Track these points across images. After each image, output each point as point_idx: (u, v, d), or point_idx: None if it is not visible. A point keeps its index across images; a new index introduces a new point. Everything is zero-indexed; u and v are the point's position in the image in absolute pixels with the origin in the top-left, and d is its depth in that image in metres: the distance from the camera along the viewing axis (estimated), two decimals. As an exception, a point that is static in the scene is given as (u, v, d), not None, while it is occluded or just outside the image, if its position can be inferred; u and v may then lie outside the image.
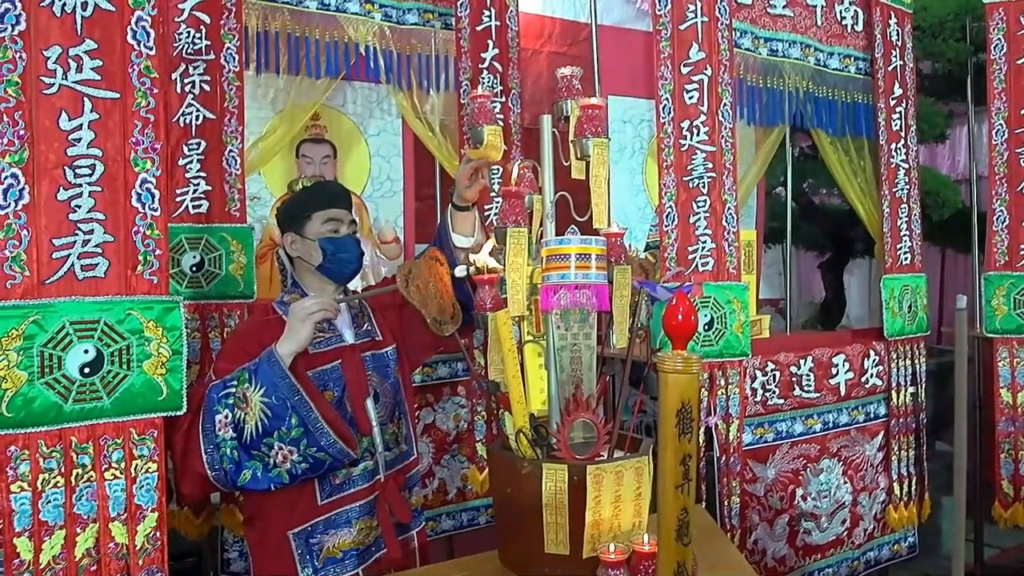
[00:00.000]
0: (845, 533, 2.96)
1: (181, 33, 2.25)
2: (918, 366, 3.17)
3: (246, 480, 1.58)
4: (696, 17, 2.50)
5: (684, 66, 2.49)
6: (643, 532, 1.49)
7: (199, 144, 2.29)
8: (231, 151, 2.34)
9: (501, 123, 2.10)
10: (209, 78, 2.30)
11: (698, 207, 2.51)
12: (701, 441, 2.52)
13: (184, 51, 2.26)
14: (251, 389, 1.55)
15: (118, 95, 1.61)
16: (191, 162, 2.28)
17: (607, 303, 1.61)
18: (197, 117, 2.29)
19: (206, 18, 2.29)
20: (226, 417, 1.56)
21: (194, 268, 2.27)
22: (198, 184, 2.29)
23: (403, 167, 3.28)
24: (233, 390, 1.56)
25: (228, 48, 2.34)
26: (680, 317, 0.84)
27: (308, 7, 2.61)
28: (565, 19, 4.52)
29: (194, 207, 2.28)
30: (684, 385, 0.84)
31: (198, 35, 2.28)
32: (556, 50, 4.51)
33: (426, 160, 3.21)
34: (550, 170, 1.68)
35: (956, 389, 1.06)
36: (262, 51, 2.55)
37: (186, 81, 2.27)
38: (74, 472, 1.55)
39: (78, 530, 1.56)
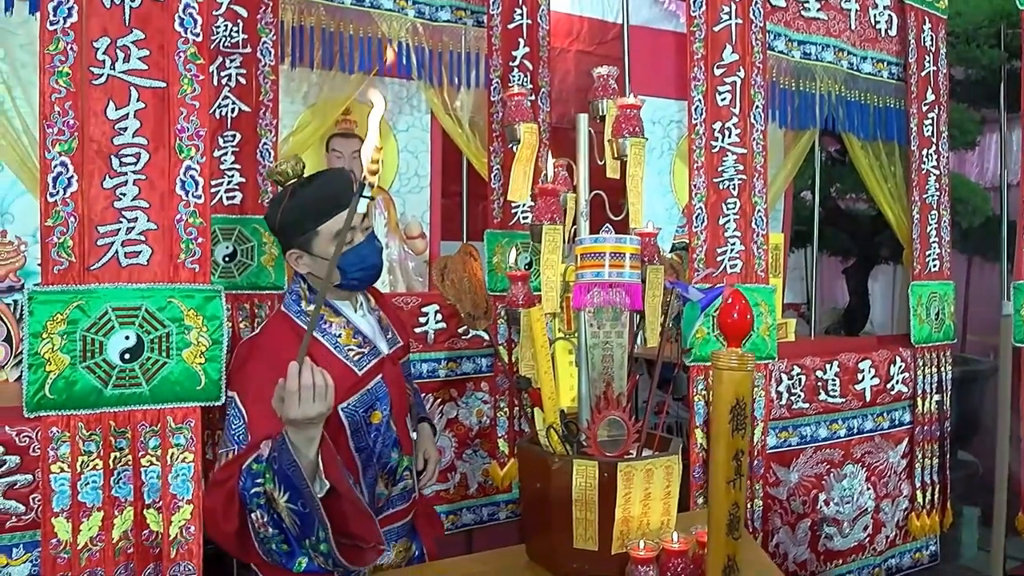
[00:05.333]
0: (867, 539, 2.94)
1: (219, 26, 2.29)
2: (944, 374, 3.15)
3: (302, 567, 1.42)
4: (730, 19, 2.49)
5: (717, 68, 2.49)
6: (671, 530, 1.50)
7: (234, 136, 2.32)
8: (265, 144, 2.38)
9: (533, 121, 2.10)
10: (245, 71, 2.34)
11: (728, 209, 2.50)
12: (725, 443, 2.53)
13: (221, 44, 2.29)
14: (276, 491, 1.32)
15: (164, 84, 1.64)
16: (226, 154, 2.31)
17: (640, 302, 1.61)
18: (233, 110, 2.32)
19: (243, 12, 2.32)
20: (261, 517, 1.35)
21: (227, 259, 2.31)
22: (232, 176, 2.33)
23: (431, 163, 3.31)
24: (261, 488, 1.34)
25: (264, 42, 2.37)
26: (736, 316, 0.85)
27: (343, 3, 2.64)
28: (593, 18, 4.53)
29: (228, 198, 2.31)
30: (739, 382, 0.85)
31: (235, 29, 2.32)
32: (584, 49, 4.52)
33: (453, 157, 3.23)
34: (585, 168, 1.69)
35: (1000, 394, 1.06)
36: (297, 46, 2.58)
37: (223, 74, 2.30)
38: (112, 455, 1.59)
39: (116, 513, 1.59)
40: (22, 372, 1.53)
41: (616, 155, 1.66)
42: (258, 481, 1.33)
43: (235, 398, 1.46)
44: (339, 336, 1.59)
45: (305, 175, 1.57)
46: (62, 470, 1.54)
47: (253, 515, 1.34)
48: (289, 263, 1.60)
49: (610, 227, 1.69)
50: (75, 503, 1.54)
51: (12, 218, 2.20)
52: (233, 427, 1.43)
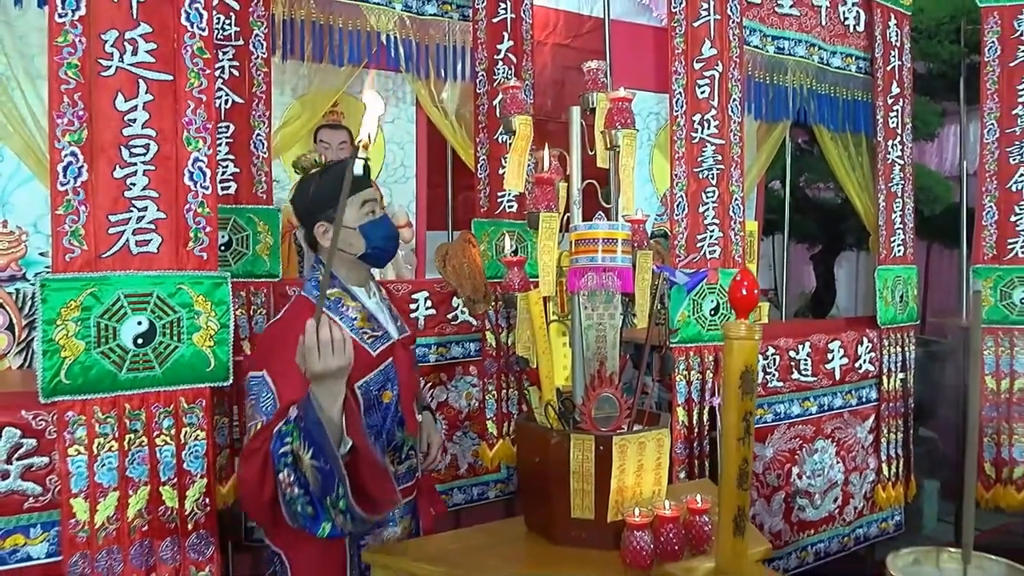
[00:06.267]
0: (837, 510, 3.07)
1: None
2: (908, 353, 3.28)
3: (326, 532, 1.42)
4: (709, 15, 2.57)
5: (697, 62, 2.57)
6: (663, 498, 1.58)
7: (228, 127, 2.34)
8: (259, 135, 2.40)
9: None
10: (238, 64, 2.36)
11: (707, 197, 2.59)
12: (705, 420, 2.62)
13: (215, 37, 2.29)
14: (302, 449, 1.36)
15: (171, 77, 1.67)
16: (220, 144, 2.32)
17: (631, 285, 1.69)
18: (226, 101, 2.34)
19: (236, 5, 2.34)
20: (288, 476, 1.38)
21: (222, 247, 2.33)
22: (227, 166, 2.35)
23: (416, 154, 3.36)
24: (288, 448, 1.38)
25: (257, 35, 2.39)
26: (744, 291, 0.92)
27: (332, -4, 2.66)
28: (569, 11, 4.58)
29: (223, 188, 2.33)
30: (748, 350, 0.93)
31: (228, 21, 2.33)
32: (560, 42, 4.56)
33: (438, 148, 3.28)
34: (578, 159, 1.76)
35: (970, 364, 1.15)
36: (288, 38, 2.61)
37: (216, 66, 2.31)
38: (127, 437, 1.62)
39: (131, 492, 1.63)
40: (36, 358, 1.55)
41: (608, 146, 1.73)
42: (286, 440, 1.37)
43: (264, 375, 1.50)
44: (355, 319, 1.65)
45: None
46: (79, 452, 1.57)
47: (280, 475, 1.38)
48: (316, 237, 1.68)
49: (602, 214, 1.76)
50: (92, 484, 1.58)
51: (13, 208, 2.20)
52: (262, 401, 1.48)
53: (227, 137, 2.35)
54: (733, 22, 2.63)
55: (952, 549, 1.15)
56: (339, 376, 1.36)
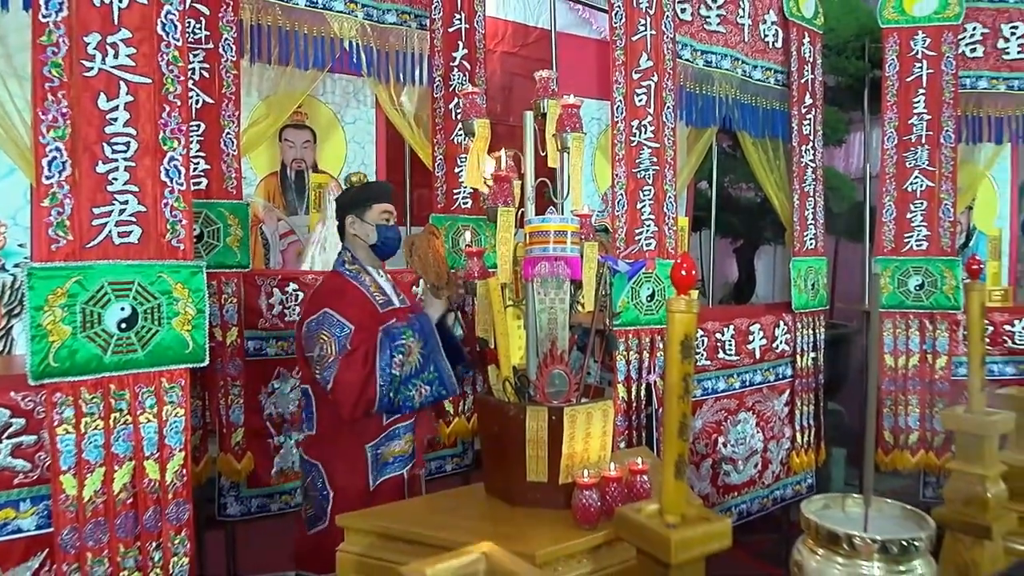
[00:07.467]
0: (757, 475, 3.24)
1: (183, 23, 2.28)
2: (819, 335, 3.48)
3: (398, 404, 1.95)
4: (646, 30, 2.67)
5: (635, 73, 2.67)
6: (608, 462, 1.67)
7: (199, 126, 2.34)
8: (228, 133, 2.40)
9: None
10: (208, 66, 2.35)
11: (644, 195, 2.70)
12: (643, 396, 2.74)
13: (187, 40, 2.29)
14: (415, 342, 1.95)
15: (150, 80, 1.67)
16: (192, 142, 2.31)
17: (579, 273, 1.77)
18: (197, 101, 2.33)
19: (205, 10, 2.34)
20: (400, 361, 1.92)
21: (195, 240, 2.31)
22: (198, 163, 2.34)
23: (376, 153, 3.38)
24: (403, 341, 1.94)
25: (226, 39, 2.39)
26: (684, 272, 1.01)
27: (297, 3, 2.66)
28: (516, 22, 4.63)
29: (195, 184, 2.32)
30: (687, 322, 1.01)
31: (198, 26, 2.33)
32: (508, 50, 4.62)
33: (397, 147, 3.31)
34: (532, 159, 1.83)
35: (871, 347, 1.26)
36: (255, 42, 2.59)
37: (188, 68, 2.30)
38: (112, 416, 1.63)
39: (116, 467, 1.63)
40: (25, 343, 1.54)
41: (559, 148, 1.80)
42: (402, 336, 1.95)
43: (325, 311, 1.93)
44: (369, 286, 2.08)
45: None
46: (67, 432, 1.56)
47: (395, 359, 1.92)
48: (345, 226, 2.12)
49: (553, 209, 1.83)
50: (80, 461, 1.58)
51: (-9, 201, 2.15)
52: (337, 332, 1.92)
53: (198, 135, 2.34)
54: (667, 37, 2.74)
55: (856, 495, 1.27)
56: (437, 291, 2.01)
